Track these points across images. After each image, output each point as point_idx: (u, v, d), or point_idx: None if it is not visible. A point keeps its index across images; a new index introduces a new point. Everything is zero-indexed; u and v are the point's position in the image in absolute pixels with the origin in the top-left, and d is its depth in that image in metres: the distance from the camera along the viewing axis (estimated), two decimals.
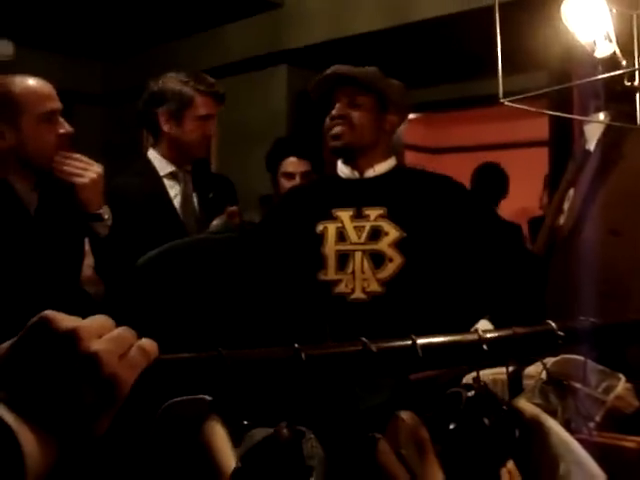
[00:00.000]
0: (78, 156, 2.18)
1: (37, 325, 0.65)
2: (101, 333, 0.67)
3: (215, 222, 2.54)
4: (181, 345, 0.80)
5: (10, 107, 2.09)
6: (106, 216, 2.22)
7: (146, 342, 0.70)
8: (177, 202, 2.69)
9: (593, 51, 1.53)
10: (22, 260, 2.09)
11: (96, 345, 0.65)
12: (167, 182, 2.69)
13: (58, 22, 5.26)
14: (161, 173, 2.68)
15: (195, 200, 2.76)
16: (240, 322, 1.26)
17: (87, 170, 2.17)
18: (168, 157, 2.70)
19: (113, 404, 0.65)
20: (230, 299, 1.31)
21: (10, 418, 0.60)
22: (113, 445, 0.73)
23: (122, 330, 0.69)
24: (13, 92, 2.10)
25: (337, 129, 2.31)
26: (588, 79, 1.61)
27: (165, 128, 2.67)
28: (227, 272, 1.36)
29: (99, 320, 0.69)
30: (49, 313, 0.66)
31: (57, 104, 2.16)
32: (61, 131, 2.15)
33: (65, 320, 0.66)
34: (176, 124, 2.67)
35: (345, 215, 2.26)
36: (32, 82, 2.14)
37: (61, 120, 2.16)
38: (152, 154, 2.73)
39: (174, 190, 2.70)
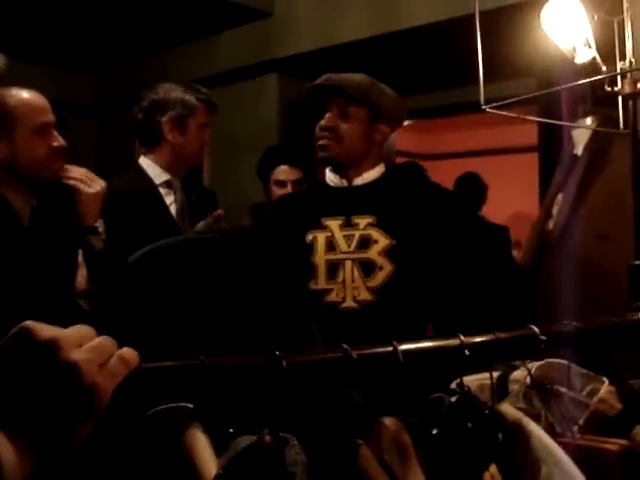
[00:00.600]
0: (84, 169, 2.20)
1: (17, 335, 0.65)
2: (81, 343, 0.67)
3: (200, 224, 2.55)
4: (166, 345, 0.81)
5: (4, 119, 2.09)
6: (101, 229, 2.22)
7: (127, 351, 0.70)
8: (173, 210, 2.70)
9: (573, 57, 1.54)
10: (15, 272, 2.09)
11: (76, 354, 0.65)
12: (162, 190, 2.69)
13: (49, 34, 5.27)
14: (156, 181, 2.68)
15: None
16: (224, 324, 1.26)
17: (93, 181, 2.19)
18: (165, 165, 2.70)
19: (92, 413, 0.65)
20: (214, 300, 1.31)
21: None
22: (93, 454, 0.73)
23: (102, 339, 0.69)
24: (8, 104, 2.10)
25: (324, 141, 2.29)
26: (567, 85, 1.62)
27: (169, 136, 2.67)
28: (212, 272, 1.36)
29: (79, 330, 0.69)
30: (29, 323, 0.66)
31: (51, 117, 2.17)
32: (55, 144, 2.15)
33: (45, 330, 0.66)
34: (179, 132, 2.68)
35: (334, 224, 2.26)
36: (27, 95, 2.15)
37: (55, 133, 2.17)
38: (145, 162, 2.72)
39: (169, 198, 2.70)
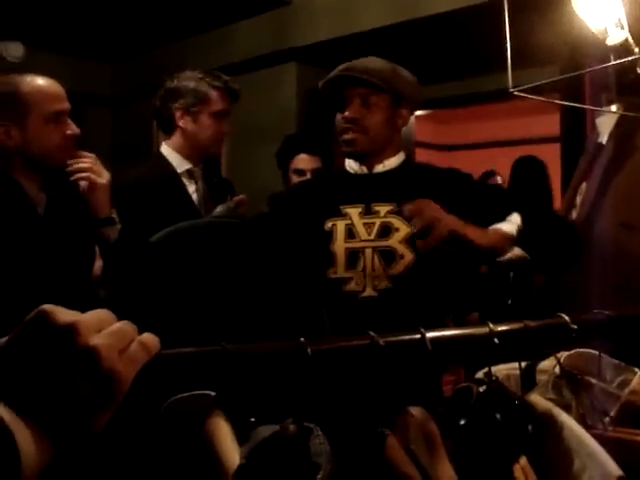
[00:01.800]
0: (93, 156, 2.19)
1: (35, 319, 0.63)
2: (101, 327, 0.65)
3: (219, 208, 2.52)
4: (182, 331, 0.78)
5: (18, 106, 2.08)
6: (116, 219, 2.21)
7: (147, 337, 0.68)
8: (195, 199, 2.69)
9: (604, 39, 1.50)
10: (30, 259, 2.08)
11: (95, 339, 0.63)
12: (184, 179, 2.69)
13: (67, 24, 5.27)
14: (178, 170, 2.69)
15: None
16: (240, 310, 1.24)
17: (102, 170, 2.18)
18: (184, 153, 2.70)
19: (112, 400, 0.63)
20: (230, 285, 1.29)
21: (6, 414, 0.59)
22: (113, 442, 0.71)
23: (122, 324, 0.67)
24: (22, 91, 2.09)
25: (350, 135, 2.25)
26: (597, 67, 1.58)
27: (181, 123, 2.69)
28: (228, 256, 1.34)
29: (99, 314, 0.67)
30: (47, 307, 0.64)
31: (65, 105, 2.15)
32: (67, 132, 2.14)
33: (64, 314, 0.64)
34: (192, 120, 2.69)
35: (354, 212, 2.22)
36: (41, 82, 2.14)
37: (68, 121, 2.15)
38: (166, 150, 2.73)
39: (191, 187, 2.70)
